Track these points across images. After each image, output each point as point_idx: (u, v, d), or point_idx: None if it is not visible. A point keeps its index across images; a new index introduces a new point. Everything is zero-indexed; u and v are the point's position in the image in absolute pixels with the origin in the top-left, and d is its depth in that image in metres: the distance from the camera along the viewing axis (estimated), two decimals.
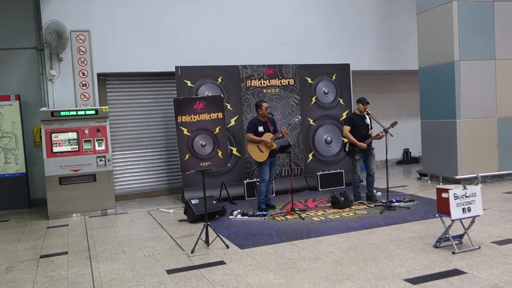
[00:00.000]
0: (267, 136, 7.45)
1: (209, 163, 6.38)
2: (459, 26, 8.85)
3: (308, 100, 9.69)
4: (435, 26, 9.34)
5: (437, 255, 4.89)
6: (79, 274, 4.98)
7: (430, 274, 4.35)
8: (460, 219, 5.01)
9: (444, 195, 5.00)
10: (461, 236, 5.21)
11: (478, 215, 5.12)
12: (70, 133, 8.10)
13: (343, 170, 9.52)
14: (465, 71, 8.88)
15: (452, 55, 8.89)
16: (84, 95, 8.84)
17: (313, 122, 9.70)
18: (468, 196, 4.99)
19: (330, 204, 7.69)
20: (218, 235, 5.77)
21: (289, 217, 7.07)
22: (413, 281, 4.21)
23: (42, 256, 5.74)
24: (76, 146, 8.10)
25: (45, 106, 8.73)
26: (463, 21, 8.86)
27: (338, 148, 9.84)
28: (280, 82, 9.44)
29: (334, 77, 9.89)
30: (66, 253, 5.85)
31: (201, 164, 6.32)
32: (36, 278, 4.93)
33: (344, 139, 8.36)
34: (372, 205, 7.47)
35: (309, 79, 9.68)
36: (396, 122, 7.33)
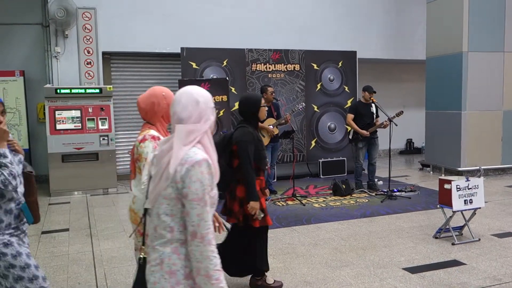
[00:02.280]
0: (270, 122, 7.43)
1: None
2: (469, 17, 8.74)
3: (313, 87, 9.63)
4: (444, 16, 9.23)
5: (437, 246, 4.90)
6: (80, 251, 5.02)
7: (429, 264, 4.37)
8: (461, 211, 5.01)
9: (446, 186, 5.00)
10: (461, 228, 5.22)
11: (480, 208, 5.12)
12: (73, 111, 8.09)
13: (345, 158, 9.51)
14: (473, 62, 8.79)
15: (460, 46, 8.79)
16: (89, 73, 8.80)
17: (317, 108, 9.67)
18: (470, 188, 4.98)
19: (331, 191, 7.70)
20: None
21: (290, 202, 7.08)
22: (412, 270, 4.23)
23: (43, 232, 5.79)
24: (80, 124, 8.10)
25: (49, 83, 8.70)
26: (474, 12, 8.75)
27: (341, 135, 9.82)
28: (286, 68, 9.38)
29: (340, 64, 9.82)
30: (67, 230, 5.89)
31: None
32: (37, 253, 4.97)
33: (347, 126, 8.33)
34: (373, 194, 7.48)
35: (315, 65, 9.61)
36: (402, 112, 7.28)
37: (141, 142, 2.77)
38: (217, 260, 1.85)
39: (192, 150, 1.87)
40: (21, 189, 2.65)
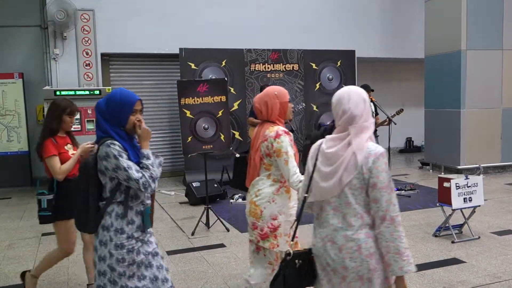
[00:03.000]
0: None
1: (211, 146, 6.38)
2: (467, 15, 8.74)
3: (312, 86, 9.63)
4: (442, 14, 9.23)
5: (437, 244, 4.91)
6: (80, 253, 5.00)
7: (429, 262, 4.37)
8: (460, 209, 5.02)
9: (445, 184, 5.00)
10: (461, 226, 5.22)
11: (479, 205, 5.13)
12: None
13: None
14: (472, 60, 8.80)
15: (459, 44, 8.79)
16: (88, 75, 8.81)
17: (316, 108, 9.67)
18: (469, 186, 4.99)
19: None
20: (218, 218, 5.79)
21: None
22: None
23: (43, 234, 5.79)
24: (79, 126, 8.10)
25: (48, 85, 8.71)
26: (472, 10, 8.75)
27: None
28: (285, 67, 9.38)
29: (339, 64, 9.83)
30: None
31: (203, 147, 6.32)
32: (37, 255, 4.98)
33: None
34: None
35: (313, 65, 9.62)
36: (402, 110, 7.29)
37: (276, 138, 2.90)
38: (405, 240, 2.06)
39: (369, 144, 2.11)
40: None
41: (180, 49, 8.65)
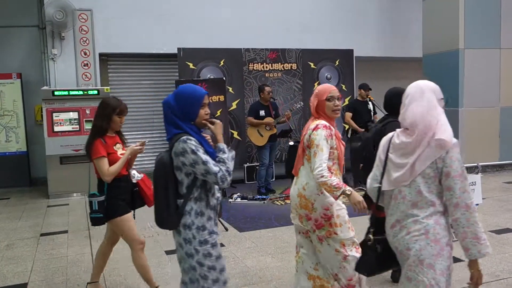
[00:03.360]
0: (268, 121, 7.45)
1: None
2: (465, 13, 8.75)
3: (310, 85, 9.63)
4: (440, 13, 9.24)
5: None
6: (78, 253, 5.02)
7: None
8: None
9: None
10: None
11: (477, 204, 5.13)
12: (71, 112, 8.09)
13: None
14: (470, 59, 8.81)
15: (457, 43, 8.81)
16: (86, 75, 8.80)
17: None
18: None
19: None
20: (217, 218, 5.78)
21: (288, 201, 7.08)
22: None
23: (42, 234, 5.79)
24: (77, 126, 8.10)
25: (46, 85, 8.70)
26: (469, 8, 8.76)
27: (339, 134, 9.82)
28: (283, 67, 9.39)
29: (337, 63, 9.83)
30: (66, 231, 5.89)
31: None
32: (36, 255, 4.98)
33: (345, 125, 8.35)
34: None
35: (312, 64, 9.62)
36: None
37: (314, 130, 3.03)
38: (481, 224, 2.17)
39: (441, 134, 2.23)
40: None
41: (178, 49, 8.64)
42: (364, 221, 5.68)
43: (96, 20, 8.79)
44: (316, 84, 9.66)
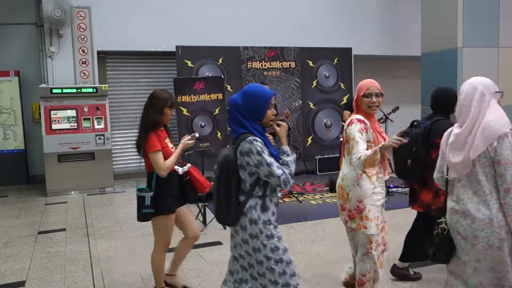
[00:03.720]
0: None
1: (208, 144, 6.38)
2: (464, 12, 8.75)
3: (309, 84, 9.64)
4: (439, 12, 9.23)
5: None
6: (76, 251, 5.01)
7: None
8: None
9: None
10: None
11: None
12: (69, 110, 8.07)
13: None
14: (468, 58, 8.81)
15: (455, 42, 8.81)
16: (84, 73, 8.78)
17: (313, 105, 9.67)
18: None
19: (327, 188, 7.71)
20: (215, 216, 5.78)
21: (286, 200, 7.09)
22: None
23: (40, 232, 5.78)
24: (75, 124, 8.08)
25: (44, 83, 8.68)
26: (468, 7, 8.76)
27: (337, 132, 9.84)
28: (281, 65, 9.38)
29: (335, 61, 9.83)
30: (64, 229, 5.89)
31: (200, 145, 6.33)
32: (34, 253, 4.97)
33: (344, 123, 8.34)
34: None
35: (310, 63, 9.62)
36: (398, 107, 7.31)
37: (349, 125, 3.17)
38: None
39: (493, 124, 2.44)
40: None
41: (177, 47, 8.63)
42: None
43: (94, 17, 8.76)
44: (314, 82, 9.67)
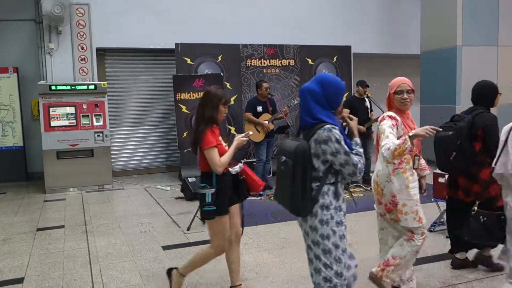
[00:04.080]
0: (265, 117, 7.43)
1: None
2: (463, 11, 8.76)
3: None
4: (438, 10, 9.23)
5: (432, 239, 4.92)
6: (75, 248, 5.01)
7: (424, 257, 4.39)
8: None
9: (440, 180, 5.03)
10: None
11: None
12: (68, 107, 8.06)
13: None
14: (467, 56, 8.82)
15: (454, 40, 8.82)
16: (83, 70, 8.76)
17: None
18: None
19: None
20: None
21: None
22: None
23: (38, 229, 5.78)
24: (74, 121, 8.07)
25: (43, 79, 8.66)
26: (467, 6, 8.76)
27: None
28: (281, 63, 9.37)
29: (335, 59, 9.82)
30: (62, 226, 5.88)
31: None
32: (32, 250, 4.97)
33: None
34: (368, 188, 7.50)
35: (309, 60, 9.61)
36: None
37: (380, 121, 3.27)
38: None
39: None
40: None
41: (176, 44, 8.61)
42: (364, 221, 5.68)
43: (94, 14, 8.74)
44: None
